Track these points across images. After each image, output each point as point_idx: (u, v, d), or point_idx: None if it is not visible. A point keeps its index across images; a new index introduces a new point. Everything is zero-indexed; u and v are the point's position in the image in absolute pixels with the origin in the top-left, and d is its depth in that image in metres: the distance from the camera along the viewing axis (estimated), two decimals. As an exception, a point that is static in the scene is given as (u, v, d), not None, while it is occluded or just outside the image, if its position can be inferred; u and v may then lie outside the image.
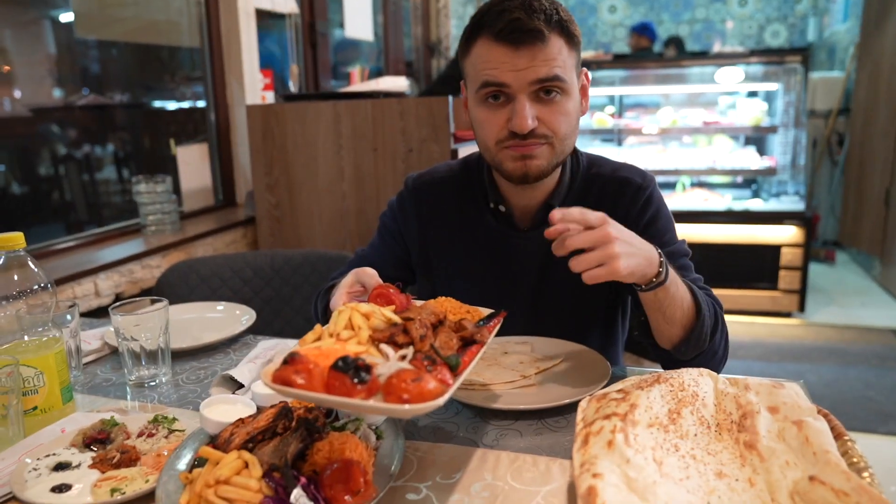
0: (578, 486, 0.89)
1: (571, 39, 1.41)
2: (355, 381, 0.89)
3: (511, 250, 1.62)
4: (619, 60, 6.23)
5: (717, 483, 0.93)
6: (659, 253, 1.26)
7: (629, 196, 1.57)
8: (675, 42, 7.16)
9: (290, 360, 0.93)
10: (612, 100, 6.00)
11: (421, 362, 0.94)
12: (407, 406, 0.86)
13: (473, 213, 1.66)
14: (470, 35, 1.44)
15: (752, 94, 5.73)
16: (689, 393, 1.08)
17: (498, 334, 1.58)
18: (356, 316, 1.05)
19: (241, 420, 1.13)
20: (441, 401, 0.87)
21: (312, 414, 1.12)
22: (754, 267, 5.10)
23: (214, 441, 1.10)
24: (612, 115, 5.78)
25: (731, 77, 5.34)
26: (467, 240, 1.66)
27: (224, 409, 1.23)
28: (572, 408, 1.28)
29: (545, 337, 1.57)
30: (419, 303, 1.22)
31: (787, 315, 5.17)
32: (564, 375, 1.41)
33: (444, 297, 1.22)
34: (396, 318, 1.06)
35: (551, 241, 1.19)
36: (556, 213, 1.17)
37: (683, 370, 1.14)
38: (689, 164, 5.47)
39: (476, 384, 1.35)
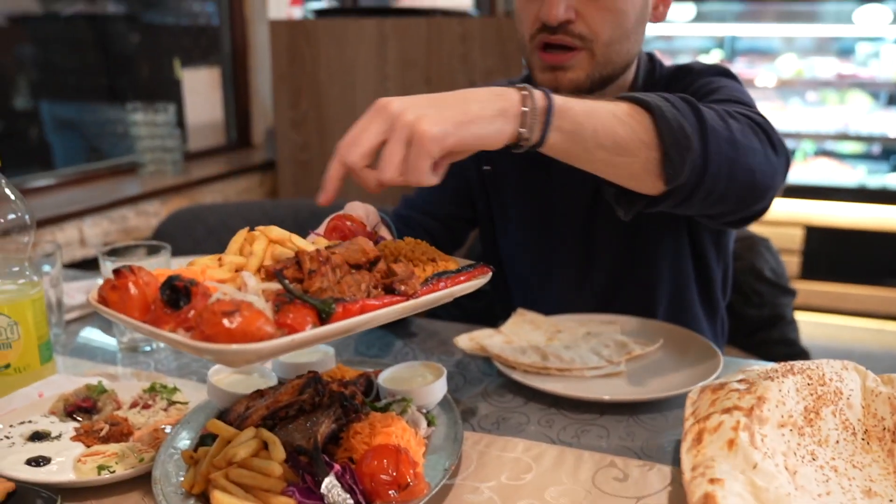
0: (690, 494, 0.86)
1: None
2: (169, 306, 0.88)
3: (561, 175, 1.60)
4: (733, -9, 6.11)
5: (866, 503, 0.90)
6: (518, 87, 1.07)
7: (679, 82, 1.53)
8: None
9: (115, 274, 0.92)
10: (720, 42, 5.89)
11: (282, 299, 0.90)
12: (201, 343, 0.82)
13: None
14: None
15: (901, 39, 5.57)
16: (831, 389, 1.04)
17: (566, 303, 1.59)
18: (260, 242, 1.03)
19: (260, 392, 1.13)
20: (254, 346, 0.82)
21: (349, 389, 1.10)
22: (890, 259, 4.98)
23: (225, 416, 1.10)
24: (721, 62, 5.67)
25: (875, 17, 5.19)
26: (524, 167, 1.65)
27: (237, 379, 1.23)
28: (670, 404, 1.26)
29: (634, 316, 1.55)
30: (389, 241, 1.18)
31: (930, 320, 5.05)
32: (661, 363, 1.39)
33: (415, 240, 1.16)
34: (309, 249, 1.03)
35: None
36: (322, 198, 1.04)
37: (823, 361, 1.10)
38: (813, 126, 5.35)
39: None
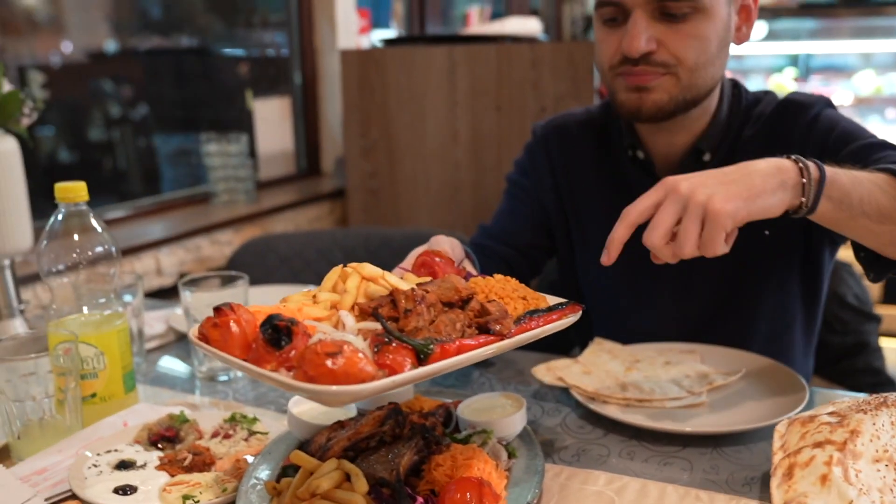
0: (783, 531, 0.84)
1: None
2: (270, 345, 0.89)
3: None
4: (806, 9, 6.00)
5: (969, 543, 0.87)
6: (787, 157, 1.16)
7: (790, 119, 1.51)
8: None
9: (216, 311, 0.94)
10: (794, 60, 5.79)
11: (381, 339, 0.91)
12: (305, 384, 0.83)
13: (612, 161, 1.67)
14: None
15: None
16: (928, 423, 1.01)
17: (655, 336, 1.58)
18: (353, 279, 1.04)
19: (340, 423, 1.14)
20: (356, 388, 0.83)
21: (429, 420, 1.11)
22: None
23: (307, 448, 1.11)
24: (795, 80, 5.58)
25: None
26: (606, 192, 1.66)
27: (316, 411, 1.24)
28: (755, 436, 1.24)
29: (717, 346, 1.53)
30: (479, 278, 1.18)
31: None
32: (744, 394, 1.36)
33: (504, 277, 1.17)
34: (403, 287, 1.04)
35: None
36: (605, 259, 1.15)
37: (918, 394, 1.07)
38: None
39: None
